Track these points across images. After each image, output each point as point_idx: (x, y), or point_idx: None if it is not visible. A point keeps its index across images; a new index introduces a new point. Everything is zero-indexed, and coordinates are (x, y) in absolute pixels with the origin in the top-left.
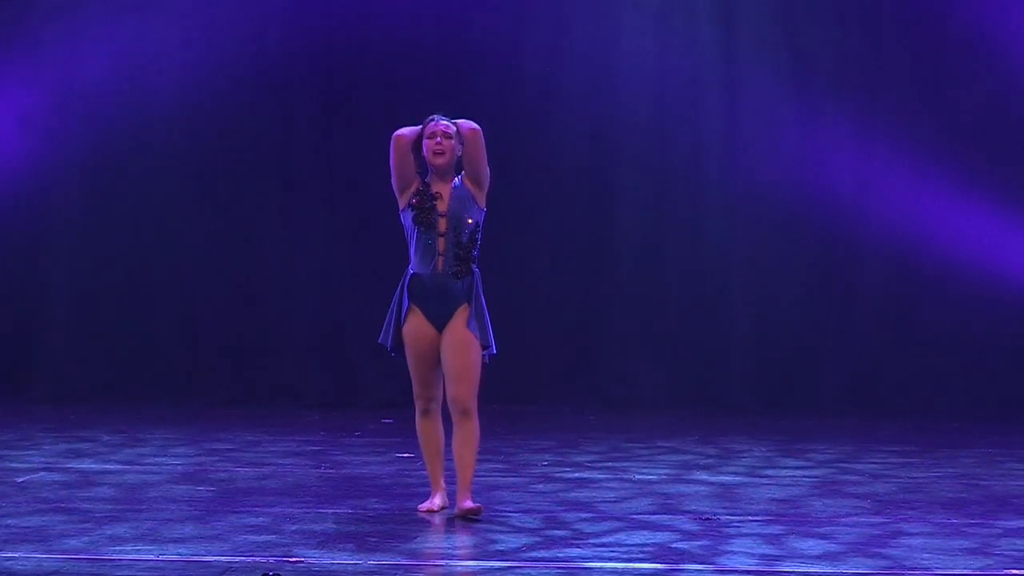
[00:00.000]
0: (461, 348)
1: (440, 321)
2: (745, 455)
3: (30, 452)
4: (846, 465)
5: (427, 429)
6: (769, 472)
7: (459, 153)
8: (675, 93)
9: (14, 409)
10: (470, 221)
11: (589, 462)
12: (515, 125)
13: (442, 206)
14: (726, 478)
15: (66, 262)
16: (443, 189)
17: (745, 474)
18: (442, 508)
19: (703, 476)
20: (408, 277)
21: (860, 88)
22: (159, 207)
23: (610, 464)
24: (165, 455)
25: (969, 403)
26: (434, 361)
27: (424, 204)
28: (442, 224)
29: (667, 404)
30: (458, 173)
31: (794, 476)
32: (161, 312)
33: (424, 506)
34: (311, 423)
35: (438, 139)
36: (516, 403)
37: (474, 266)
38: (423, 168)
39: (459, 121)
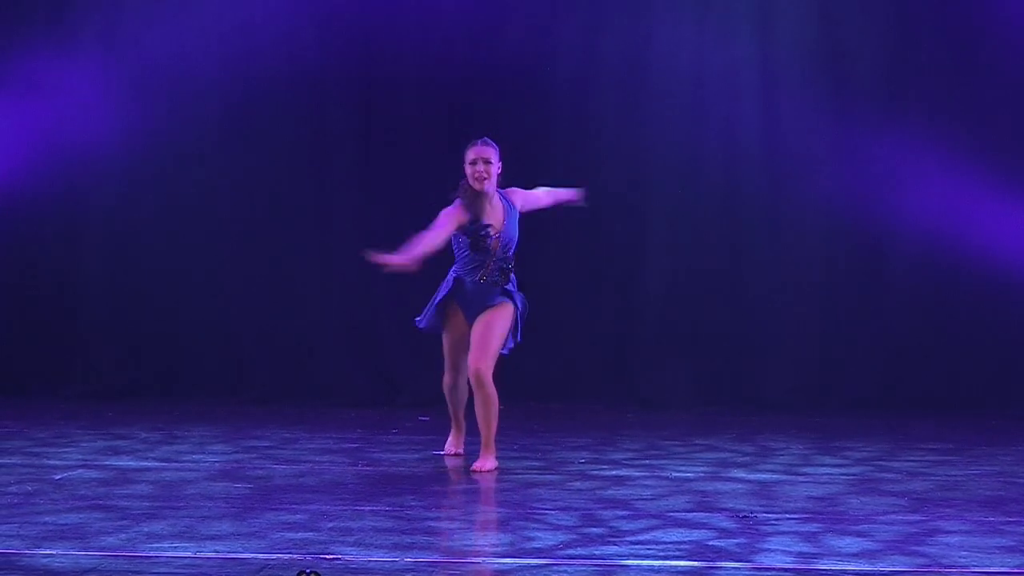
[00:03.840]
0: (489, 324)
1: (473, 314)
2: (782, 453)
3: (67, 449)
4: (883, 463)
5: (452, 386)
6: (806, 470)
7: (499, 171)
8: (710, 94)
9: (51, 406)
10: (516, 238)
11: (626, 460)
12: (549, 127)
13: (494, 231)
14: (763, 476)
15: (102, 260)
16: (494, 215)
17: (782, 472)
18: (457, 454)
19: (740, 474)
20: (452, 278)
21: (895, 86)
22: (196, 205)
23: (647, 462)
24: (202, 452)
25: (1007, 400)
26: (463, 348)
27: (478, 234)
28: (494, 246)
29: (703, 401)
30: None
31: (831, 474)
32: (198, 310)
33: (446, 449)
34: (348, 421)
35: (479, 166)
36: (552, 401)
37: (511, 273)
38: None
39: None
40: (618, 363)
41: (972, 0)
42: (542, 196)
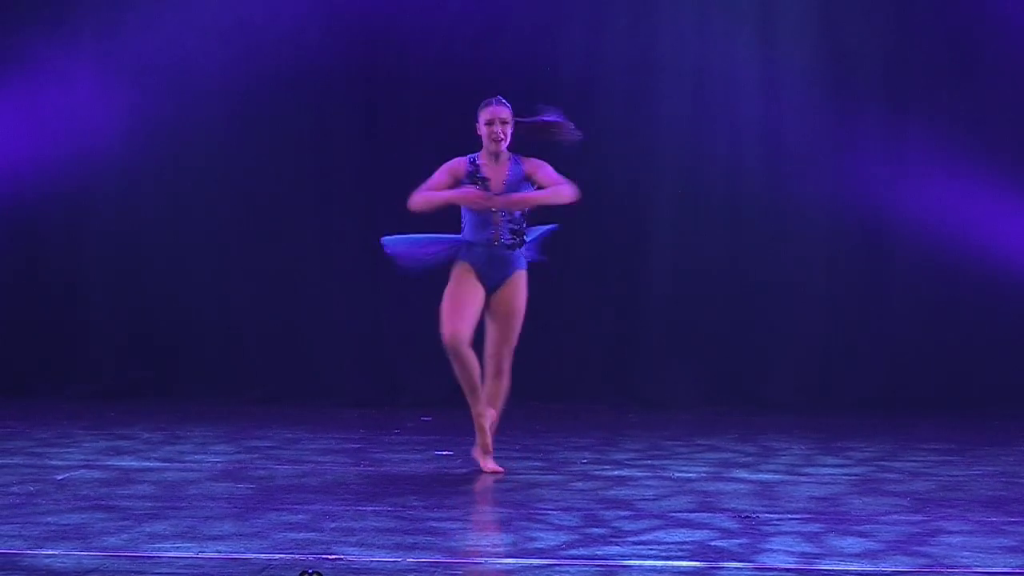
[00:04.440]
0: (512, 316)
1: (490, 283)
2: (784, 453)
3: (70, 450)
4: (885, 463)
5: (454, 337)
6: (808, 470)
7: (512, 131)
8: (712, 95)
9: (54, 406)
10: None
11: (628, 460)
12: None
13: (495, 187)
14: (765, 476)
15: (105, 260)
16: (496, 172)
17: (784, 472)
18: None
19: (742, 474)
20: (463, 242)
21: (896, 86)
22: (198, 204)
23: (649, 462)
24: (204, 452)
25: (1009, 401)
26: (472, 301)
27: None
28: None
29: (706, 402)
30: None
31: (833, 474)
32: (200, 310)
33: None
34: (350, 421)
35: (496, 127)
36: (554, 401)
37: (526, 236)
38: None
39: (562, 182)
40: (620, 363)
41: (972, 0)
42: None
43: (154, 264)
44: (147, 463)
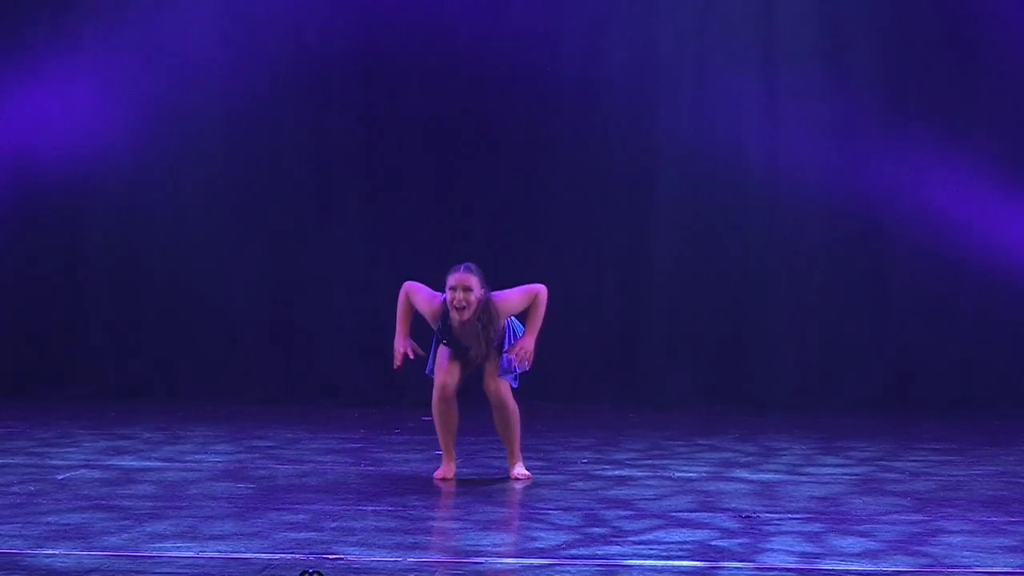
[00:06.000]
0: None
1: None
2: (785, 453)
3: (70, 449)
4: (886, 463)
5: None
6: (809, 470)
7: (479, 298)
8: (713, 93)
9: (54, 406)
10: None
11: (629, 460)
12: (553, 124)
13: (475, 354)
14: (766, 476)
15: (106, 260)
16: (467, 336)
17: (785, 472)
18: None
19: (743, 474)
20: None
21: (897, 82)
22: (199, 204)
23: (650, 462)
24: (205, 452)
25: (1010, 401)
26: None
27: (452, 343)
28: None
29: (706, 401)
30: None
31: (834, 474)
32: (202, 309)
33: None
34: (351, 421)
35: (459, 294)
36: (555, 401)
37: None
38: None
39: (530, 291)
40: (621, 363)
41: (973, 0)
42: (517, 301)
43: (154, 264)
44: (148, 463)
